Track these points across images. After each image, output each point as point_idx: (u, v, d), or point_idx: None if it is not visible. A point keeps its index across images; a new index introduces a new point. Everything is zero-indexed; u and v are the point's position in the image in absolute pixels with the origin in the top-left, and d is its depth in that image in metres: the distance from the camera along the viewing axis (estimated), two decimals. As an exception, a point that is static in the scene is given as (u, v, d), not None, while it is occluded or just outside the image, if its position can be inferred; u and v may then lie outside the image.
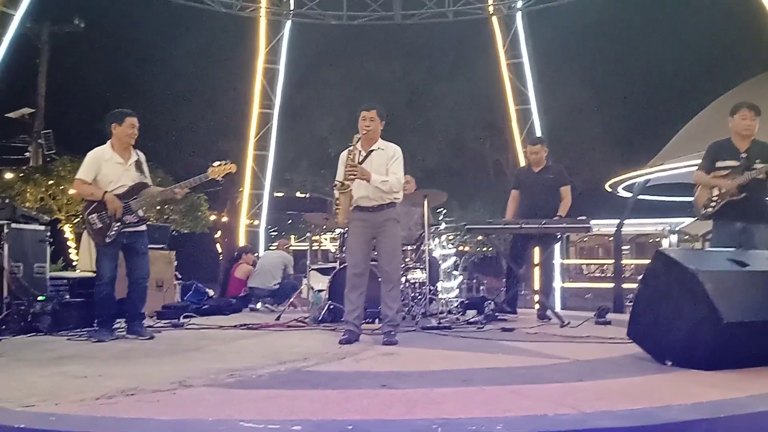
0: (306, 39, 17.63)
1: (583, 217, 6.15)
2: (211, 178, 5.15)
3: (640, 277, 4.22)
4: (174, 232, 14.33)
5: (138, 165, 5.13)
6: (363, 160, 4.79)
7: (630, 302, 5.86)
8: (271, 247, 13.48)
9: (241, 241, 12.96)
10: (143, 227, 5.12)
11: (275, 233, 27.90)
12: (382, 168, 4.79)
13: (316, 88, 23.12)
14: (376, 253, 5.01)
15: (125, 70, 21.27)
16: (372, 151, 4.84)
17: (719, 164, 4.99)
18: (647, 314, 3.76)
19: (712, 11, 19.84)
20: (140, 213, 5.06)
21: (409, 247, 6.75)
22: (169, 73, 21.31)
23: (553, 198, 6.64)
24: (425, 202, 6.36)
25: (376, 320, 5.41)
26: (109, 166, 5.00)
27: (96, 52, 20.44)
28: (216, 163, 5.17)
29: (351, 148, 4.75)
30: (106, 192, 4.93)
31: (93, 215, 4.94)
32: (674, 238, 19.26)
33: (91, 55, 20.22)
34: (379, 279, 4.99)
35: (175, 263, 7.95)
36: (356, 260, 4.81)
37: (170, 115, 20.76)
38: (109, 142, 5.08)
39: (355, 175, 4.64)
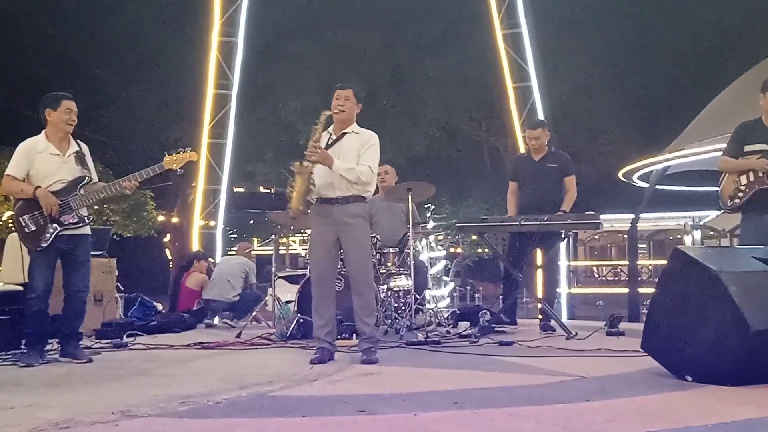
0: (269, 7, 17.59)
1: (591, 213, 6.22)
2: (168, 168, 5.12)
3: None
4: (115, 236, 14.28)
5: (79, 157, 5.09)
6: (333, 143, 4.81)
7: (647, 309, 5.94)
8: (229, 253, 13.43)
9: (195, 246, 12.87)
10: (86, 230, 5.09)
11: (234, 236, 27.87)
12: (353, 154, 4.77)
13: (283, 65, 23.09)
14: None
15: (58, 46, 21.08)
16: (344, 134, 4.86)
17: (748, 148, 5.06)
18: (664, 323, 3.83)
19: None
20: (82, 212, 5.03)
21: (392, 250, 6.78)
22: (109, 49, 21.14)
23: (556, 190, 6.70)
24: (410, 197, 6.40)
25: (354, 335, 5.43)
26: (44, 159, 4.96)
27: (24, 25, 20.23)
28: (173, 152, 5.16)
29: (315, 126, 4.74)
30: (38, 187, 4.89)
31: (24, 216, 4.89)
32: (698, 234, 19.59)
33: (18, 29, 20.01)
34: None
35: (117, 273, 7.89)
36: (321, 266, 4.80)
37: (111, 99, 20.65)
38: (43, 131, 5.05)
39: (316, 156, 4.60)
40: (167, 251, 25.01)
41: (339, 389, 3.69)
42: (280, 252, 8.87)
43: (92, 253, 7.18)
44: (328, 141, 4.81)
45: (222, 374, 4.28)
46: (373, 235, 6.58)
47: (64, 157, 5.03)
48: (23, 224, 4.89)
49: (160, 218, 23.15)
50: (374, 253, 6.47)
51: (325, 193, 4.77)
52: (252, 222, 30.08)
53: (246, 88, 15.22)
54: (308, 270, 6.70)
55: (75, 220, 4.97)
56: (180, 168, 5.16)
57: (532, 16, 14.25)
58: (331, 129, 4.89)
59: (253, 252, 10.33)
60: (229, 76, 13.13)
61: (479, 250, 26.47)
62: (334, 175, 4.69)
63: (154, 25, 21.24)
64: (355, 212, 4.77)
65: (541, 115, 13.48)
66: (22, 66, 19.63)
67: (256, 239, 27.97)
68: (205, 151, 12.91)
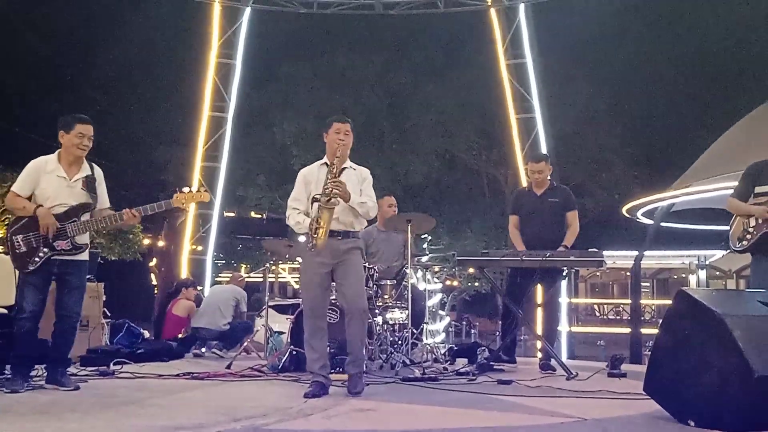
0: (268, 29, 17.82)
1: (595, 250, 6.30)
2: (176, 206, 5.21)
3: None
4: (99, 260, 14.29)
5: (88, 182, 5.15)
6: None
7: (649, 351, 6.02)
8: (217, 280, 13.47)
9: (184, 272, 12.91)
10: (82, 256, 5.12)
11: (222, 261, 27.81)
12: (355, 188, 4.98)
13: (278, 87, 23.32)
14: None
15: (49, 61, 21.28)
16: (344, 169, 5.00)
17: (759, 189, 5.12)
18: (667, 366, 3.91)
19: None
20: (79, 240, 5.05)
21: (389, 282, 6.85)
22: (103, 66, 21.36)
23: (558, 225, 6.78)
24: (409, 228, 6.49)
25: (347, 361, 5.49)
26: (49, 180, 5.03)
27: (15, 44, 20.41)
28: (185, 189, 5.25)
29: (331, 166, 4.90)
30: (39, 206, 4.97)
31: (18, 236, 4.94)
32: (703, 273, 19.71)
33: (10, 47, 20.19)
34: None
35: (104, 298, 7.93)
36: (315, 299, 4.95)
37: (100, 118, 20.76)
38: (57, 151, 5.14)
39: (340, 189, 4.74)
40: (152, 276, 24.93)
41: (335, 425, 3.75)
42: (269, 280, 8.93)
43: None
44: (327, 176, 4.93)
45: (214, 406, 4.33)
46: (371, 266, 6.68)
47: (70, 181, 5.09)
48: (15, 244, 4.95)
49: (146, 241, 23.14)
50: (371, 285, 6.56)
51: (331, 227, 4.87)
52: (240, 248, 30.06)
53: (239, 110, 15.39)
54: (301, 302, 6.78)
55: (68, 247, 5.01)
56: (185, 207, 5.25)
57: (537, 47, 14.47)
58: (325, 161, 5.03)
59: (245, 281, 10.38)
60: (226, 98, 13.27)
61: (476, 284, 26.49)
62: (341, 210, 4.87)
63: (148, 45, 21.46)
64: (352, 244, 4.97)
65: (543, 147, 13.67)
66: (11, 83, 19.76)
67: (244, 266, 27.93)
68: (198, 174, 13.02)
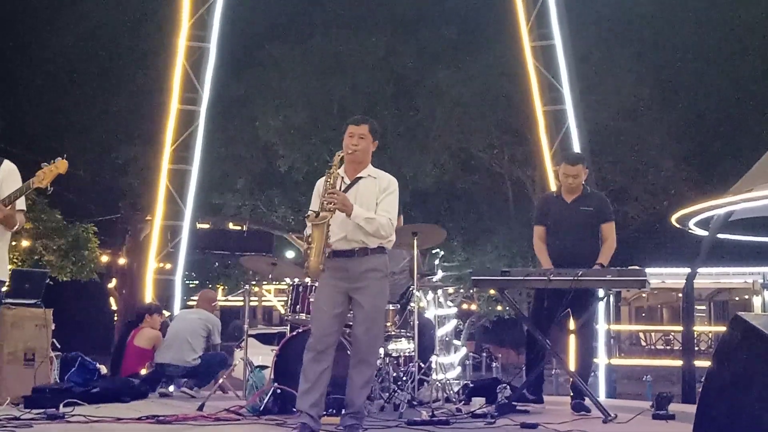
0: (249, 5, 17.85)
1: (636, 268, 6.31)
2: (37, 186, 5.11)
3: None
4: (48, 281, 14.31)
5: None
6: (347, 189, 5.02)
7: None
8: (190, 303, 13.42)
9: (148, 295, 12.89)
10: None
11: (195, 282, 27.81)
12: (371, 201, 5.03)
13: (261, 74, 23.33)
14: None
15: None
16: (359, 178, 5.04)
17: None
18: (722, 406, 3.90)
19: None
20: None
21: (391, 306, 6.85)
22: (53, 50, 21.39)
23: (591, 239, 6.77)
24: (415, 242, 6.50)
25: (344, 411, 5.51)
26: None
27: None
28: (45, 165, 5.10)
29: (330, 171, 4.97)
30: None
31: None
32: (769, 295, 19.64)
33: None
34: (349, 353, 5.12)
35: (53, 326, 7.93)
36: (323, 324, 4.98)
37: (49, 109, 20.81)
38: None
39: (334, 203, 4.80)
40: (111, 300, 24.99)
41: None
42: (251, 304, 8.90)
43: (24, 301, 7.36)
44: (340, 186, 5.00)
45: (182, 455, 4.35)
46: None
47: None
48: None
49: (104, 259, 23.17)
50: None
51: (338, 246, 4.96)
52: (216, 265, 30.05)
53: (214, 103, 15.38)
54: (290, 328, 6.79)
55: None
56: (49, 185, 5.11)
57: (568, 26, 14.42)
58: (342, 170, 5.07)
59: (217, 304, 10.39)
60: (198, 89, 13.22)
61: (498, 308, 26.46)
62: (347, 225, 4.92)
63: (105, 25, 21.50)
64: (374, 266, 5.01)
65: (576, 145, 13.64)
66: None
67: (221, 287, 27.96)
68: (165, 178, 12.97)
